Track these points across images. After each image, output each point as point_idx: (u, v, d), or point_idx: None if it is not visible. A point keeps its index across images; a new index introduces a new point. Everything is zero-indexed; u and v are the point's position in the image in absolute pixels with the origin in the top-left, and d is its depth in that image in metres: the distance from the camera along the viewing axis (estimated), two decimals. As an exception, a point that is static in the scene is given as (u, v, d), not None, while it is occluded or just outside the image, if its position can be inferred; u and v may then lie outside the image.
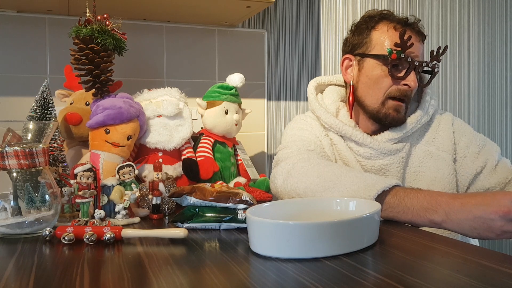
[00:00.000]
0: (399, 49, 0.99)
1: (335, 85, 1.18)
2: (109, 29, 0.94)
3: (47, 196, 0.79)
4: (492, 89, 1.96)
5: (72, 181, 0.84)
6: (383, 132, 1.06)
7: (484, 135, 2.05)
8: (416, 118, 1.06)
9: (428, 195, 0.77)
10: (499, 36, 1.97)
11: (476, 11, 1.92)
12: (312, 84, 1.16)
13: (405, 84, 1.00)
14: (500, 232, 0.69)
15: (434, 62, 1.03)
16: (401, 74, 1.00)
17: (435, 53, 1.02)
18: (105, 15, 0.95)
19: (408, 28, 1.02)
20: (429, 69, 1.04)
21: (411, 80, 1.00)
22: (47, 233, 0.73)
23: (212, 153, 1.14)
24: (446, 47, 1.03)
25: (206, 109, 1.16)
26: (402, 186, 0.83)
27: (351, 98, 1.07)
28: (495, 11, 1.95)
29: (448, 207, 0.74)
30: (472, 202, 0.72)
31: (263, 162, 1.58)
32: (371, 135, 1.06)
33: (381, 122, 1.05)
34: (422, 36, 1.05)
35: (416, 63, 0.99)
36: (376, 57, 1.03)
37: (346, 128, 1.05)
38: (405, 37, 0.97)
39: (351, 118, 1.08)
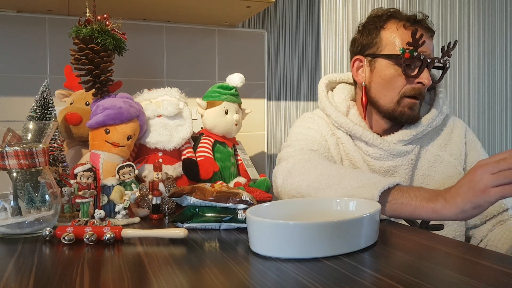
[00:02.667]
0: (411, 48, 0.98)
1: (346, 83, 1.18)
2: (109, 29, 0.94)
3: (47, 196, 0.79)
4: (492, 89, 1.96)
5: (72, 181, 0.84)
6: (393, 133, 1.06)
7: (484, 135, 2.04)
8: (427, 121, 1.06)
9: (429, 189, 0.81)
10: (499, 36, 1.97)
11: (476, 11, 1.92)
12: (323, 81, 1.16)
13: (419, 82, 1.01)
14: (483, 188, 0.70)
15: (445, 58, 1.03)
16: (415, 73, 1.01)
17: (446, 49, 1.03)
18: (105, 15, 0.95)
19: (418, 25, 1.02)
20: (441, 64, 1.04)
21: (425, 77, 1.00)
22: (47, 233, 0.73)
23: (212, 153, 1.14)
24: (456, 42, 1.03)
25: (206, 109, 1.16)
26: (404, 185, 0.83)
27: (364, 99, 1.07)
28: (495, 11, 1.95)
29: (445, 193, 0.76)
30: (459, 181, 0.76)
31: (263, 162, 1.58)
32: (381, 136, 1.06)
33: (396, 120, 1.05)
34: (431, 32, 1.05)
35: (429, 60, 1.00)
36: (389, 57, 1.02)
37: (357, 128, 1.05)
38: (417, 36, 0.97)
39: (364, 119, 1.07)
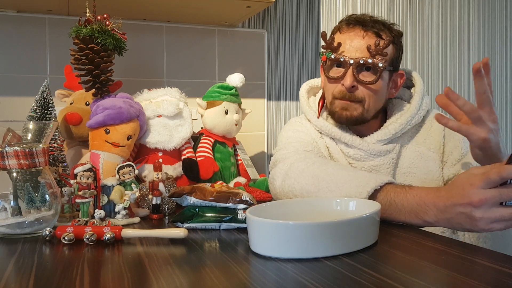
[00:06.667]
0: (328, 50, 1.00)
1: None
2: (109, 29, 0.94)
3: (47, 196, 0.79)
4: (492, 89, 1.96)
5: (72, 181, 0.84)
6: (372, 133, 1.06)
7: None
8: (405, 119, 1.04)
9: (416, 196, 0.77)
10: (499, 36, 1.97)
11: (476, 11, 1.92)
12: (304, 87, 1.17)
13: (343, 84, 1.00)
14: (484, 226, 0.68)
15: (378, 57, 0.98)
16: (337, 75, 1.01)
17: (372, 48, 0.98)
18: (105, 15, 0.95)
19: (356, 26, 1.01)
20: (370, 65, 0.99)
21: (345, 79, 0.99)
22: (47, 233, 0.73)
23: (212, 153, 1.14)
24: (389, 41, 0.99)
25: (206, 109, 1.16)
26: (393, 183, 0.83)
27: (321, 102, 1.11)
28: (495, 11, 1.95)
29: (435, 208, 0.74)
30: (450, 199, 0.72)
31: (263, 162, 1.58)
32: (361, 137, 1.06)
33: (338, 122, 1.06)
34: (367, 31, 1.00)
35: (351, 62, 0.98)
36: (322, 64, 1.06)
37: (335, 130, 1.06)
38: (328, 39, 0.99)
39: (318, 117, 1.08)
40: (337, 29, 1.05)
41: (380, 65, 0.98)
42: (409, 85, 1.14)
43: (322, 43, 1.05)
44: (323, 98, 1.11)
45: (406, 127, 1.05)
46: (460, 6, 1.88)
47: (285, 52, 1.60)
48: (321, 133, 1.10)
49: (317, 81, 1.19)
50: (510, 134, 1.99)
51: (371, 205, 0.71)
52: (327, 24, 1.66)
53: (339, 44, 0.99)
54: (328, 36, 1.04)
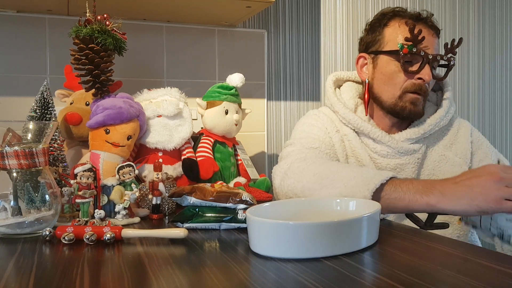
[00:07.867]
0: (410, 43, 0.99)
1: (353, 81, 1.19)
2: (109, 29, 0.94)
3: (47, 196, 0.79)
4: (492, 89, 1.96)
5: (72, 181, 0.84)
6: (400, 131, 1.07)
7: (484, 135, 2.04)
8: (435, 120, 1.06)
9: (423, 181, 0.80)
10: (499, 36, 1.97)
11: (476, 11, 1.92)
12: (330, 78, 1.16)
13: (419, 78, 1.01)
14: (498, 198, 0.69)
15: (450, 55, 1.03)
16: (415, 69, 1.01)
17: (449, 46, 1.03)
18: (105, 15, 0.95)
19: (420, 22, 1.03)
20: (445, 62, 1.05)
21: (426, 73, 1.00)
22: (47, 233, 0.73)
23: (212, 153, 1.14)
24: (461, 39, 1.03)
25: (206, 109, 1.16)
26: (398, 177, 0.83)
27: (366, 95, 1.08)
28: (495, 11, 1.95)
29: (442, 187, 0.75)
30: (464, 178, 0.74)
31: (263, 162, 1.58)
32: (388, 134, 1.07)
33: (399, 116, 1.05)
34: (435, 30, 1.05)
35: (430, 57, 1.00)
36: (389, 53, 1.03)
37: (365, 124, 1.05)
38: (415, 31, 0.98)
39: (366, 115, 1.09)
40: (400, 23, 1.04)
41: (452, 63, 1.03)
42: (435, 88, 1.15)
43: (399, 36, 1.03)
44: (367, 92, 1.09)
45: (435, 128, 1.06)
46: (460, 6, 1.88)
47: (285, 52, 1.60)
48: (338, 124, 1.09)
49: (343, 74, 1.18)
50: (510, 133, 1.99)
51: (371, 205, 0.71)
52: (327, 24, 1.66)
53: (423, 38, 0.99)
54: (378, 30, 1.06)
